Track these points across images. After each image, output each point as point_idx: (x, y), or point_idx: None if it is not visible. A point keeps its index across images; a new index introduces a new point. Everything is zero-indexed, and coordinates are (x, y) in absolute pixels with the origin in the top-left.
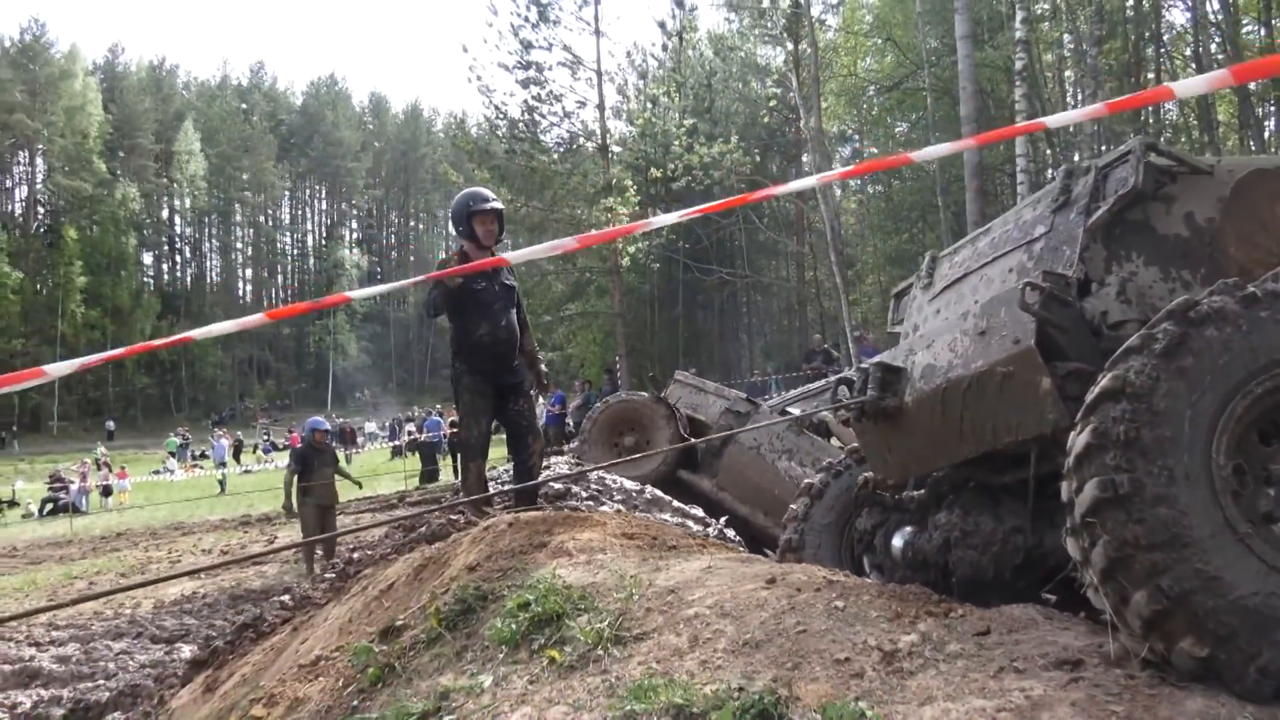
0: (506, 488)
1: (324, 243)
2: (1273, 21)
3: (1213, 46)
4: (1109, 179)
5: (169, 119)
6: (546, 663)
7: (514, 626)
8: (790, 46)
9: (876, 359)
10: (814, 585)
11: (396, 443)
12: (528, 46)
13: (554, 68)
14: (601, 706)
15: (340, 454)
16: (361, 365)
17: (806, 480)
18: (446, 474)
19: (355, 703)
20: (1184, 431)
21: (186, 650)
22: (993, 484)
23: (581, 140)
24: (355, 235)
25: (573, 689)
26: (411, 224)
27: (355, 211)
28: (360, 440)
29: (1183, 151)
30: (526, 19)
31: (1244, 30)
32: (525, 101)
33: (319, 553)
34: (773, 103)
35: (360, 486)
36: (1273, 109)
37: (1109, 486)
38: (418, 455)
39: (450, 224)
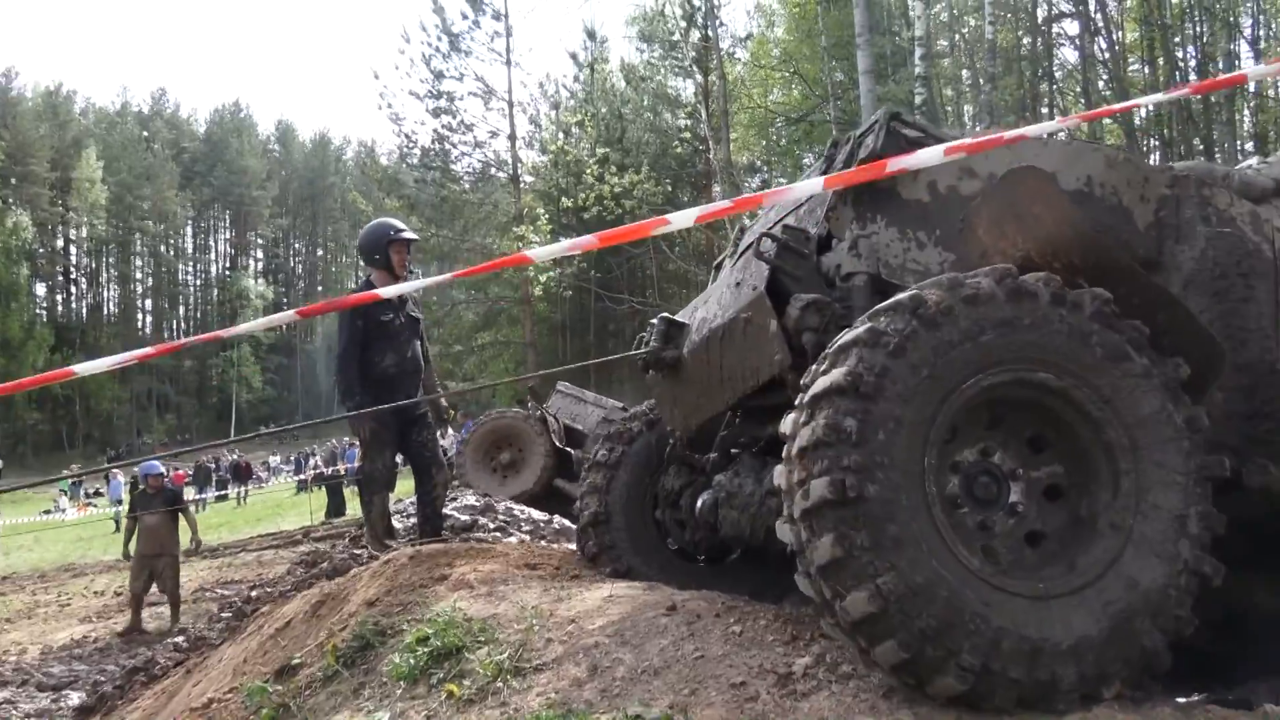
0: (411, 521)
1: (227, 273)
2: (1156, 60)
3: (1100, 84)
4: (862, 146)
5: (65, 146)
6: (445, 697)
7: (413, 661)
8: (700, 78)
9: (663, 315)
10: (713, 611)
11: (302, 477)
12: (439, 76)
13: (465, 97)
14: None
15: (205, 497)
16: (267, 398)
17: (598, 451)
18: (355, 508)
19: None
20: (907, 432)
21: (74, 697)
22: (761, 444)
23: (493, 170)
24: (260, 265)
25: None
26: (319, 253)
27: (260, 241)
28: (264, 475)
29: (928, 124)
30: (438, 48)
31: (1130, 68)
32: (436, 130)
33: (157, 601)
34: (684, 133)
35: (196, 546)
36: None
37: (839, 487)
38: (324, 489)
39: (360, 254)
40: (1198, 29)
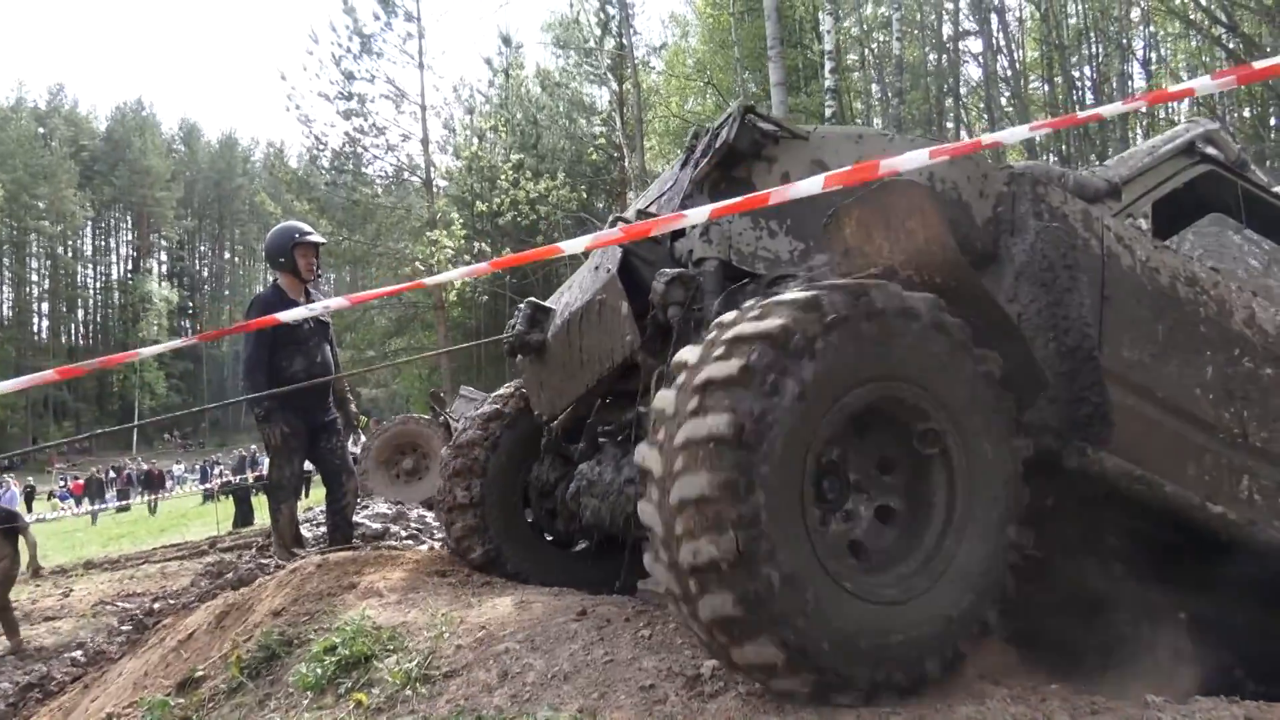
0: (321, 530)
1: (130, 276)
2: (1055, 79)
3: (1003, 100)
4: (717, 138)
5: None
6: (353, 706)
7: (320, 671)
8: (615, 86)
9: (529, 299)
10: (623, 616)
11: (208, 486)
12: (349, 77)
13: (377, 100)
14: None
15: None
16: (171, 405)
17: (467, 434)
18: (263, 517)
19: None
20: (799, 436)
21: None
22: (624, 426)
23: (406, 174)
24: (164, 268)
25: None
26: (226, 256)
27: (164, 243)
28: (169, 484)
29: (783, 118)
30: (349, 49)
31: (1031, 85)
32: (347, 133)
33: None
34: (600, 140)
35: (34, 571)
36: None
37: (728, 487)
38: (231, 498)
39: (267, 258)
40: (1093, 49)
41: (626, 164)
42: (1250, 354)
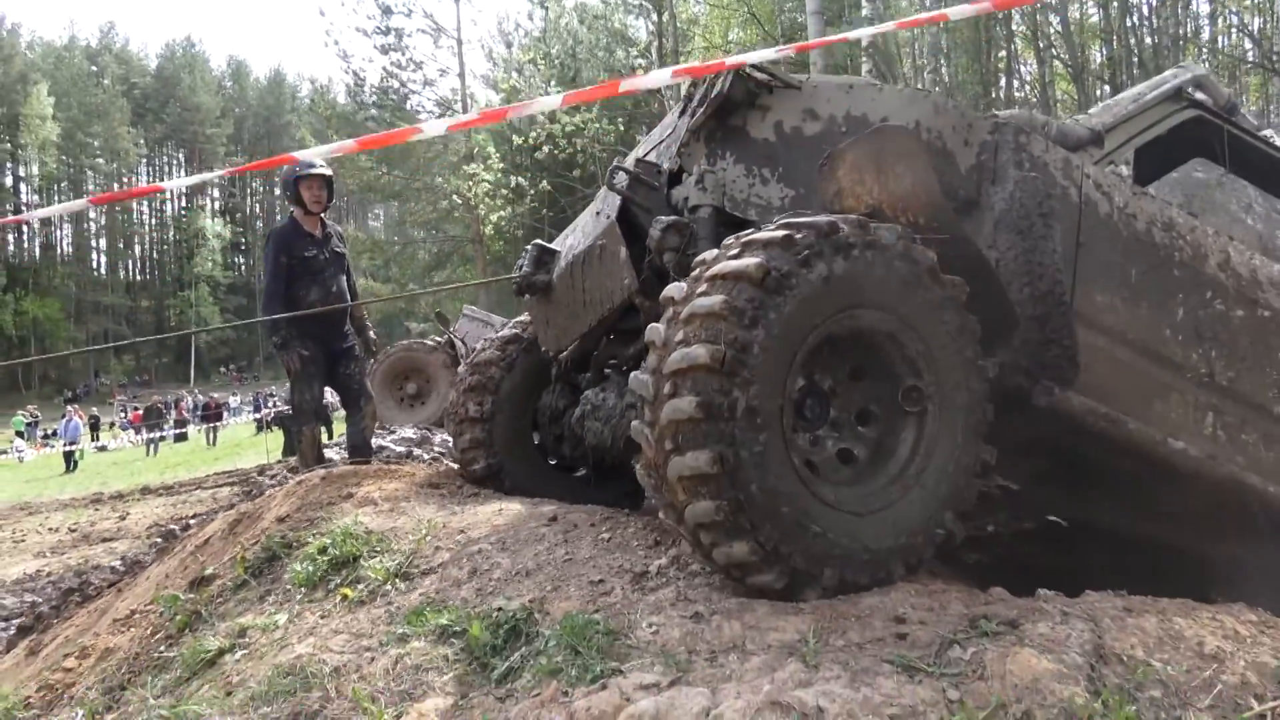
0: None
1: (183, 212)
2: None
3: (1049, 28)
4: (714, 89)
5: (11, 82)
6: (339, 599)
7: (312, 569)
8: (655, 17)
9: (535, 241)
10: (589, 521)
11: (259, 416)
12: (387, 12)
13: (414, 34)
14: (380, 633)
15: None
16: (226, 339)
17: (485, 353)
18: None
19: (162, 649)
20: (777, 361)
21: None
22: (627, 360)
23: (445, 108)
24: (217, 204)
25: (358, 620)
26: (276, 192)
27: (217, 179)
28: (224, 416)
29: (778, 69)
30: None
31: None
32: (385, 68)
33: None
34: (639, 71)
35: None
36: (1107, 89)
37: (712, 410)
38: (282, 428)
39: (281, 191)
40: None
41: (665, 96)
42: (1222, 296)
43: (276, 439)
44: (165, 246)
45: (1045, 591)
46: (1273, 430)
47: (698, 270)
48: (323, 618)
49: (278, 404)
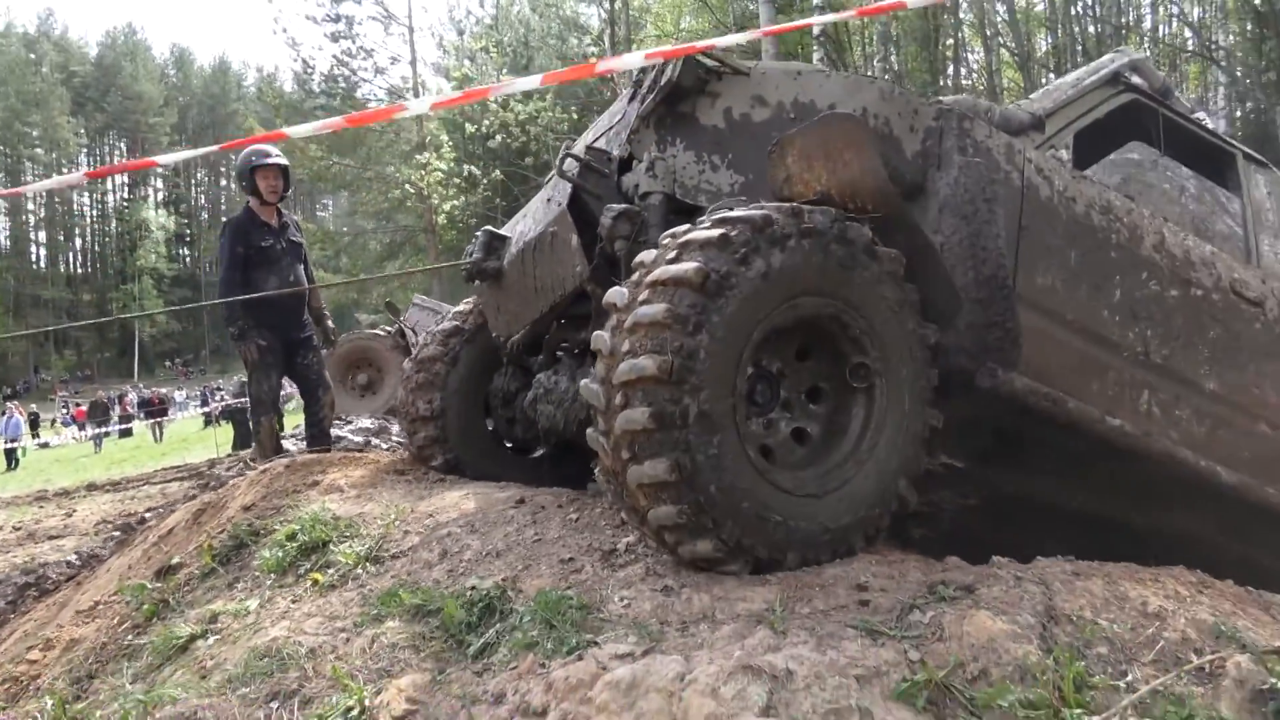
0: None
1: (126, 203)
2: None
3: (997, 18)
4: (663, 75)
5: None
6: (310, 584)
7: (281, 555)
8: (606, 5)
9: (485, 228)
10: (556, 503)
11: (208, 409)
12: None
13: (365, 22)
14: (354, 615)
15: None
16: (171, 332)
17: (428, 349)
18: None
19: (130, 638)
20: (724, 363)
21: None
22: (579, 344)
23: (396, 97)
24: (160, 195)
25: (330, 604)
26: (223, 183)
27: (160, 170)
28: (170, 411)
29: (728, 55)
30: None
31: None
32: (335, 56)
33: None
34: (592, 60)
35: None
36: (1052, 76)
37: (665, 419)
38: (230, 422)
39: (236, 181)
40: None
41: (617, 85)
42: (1157, 277)
43: (226, 433)
44: (107, 239)
45: (999, 559)
46: (1203, 406)
47: (637, 274)
48: (294, 602)
49: (225, 398)
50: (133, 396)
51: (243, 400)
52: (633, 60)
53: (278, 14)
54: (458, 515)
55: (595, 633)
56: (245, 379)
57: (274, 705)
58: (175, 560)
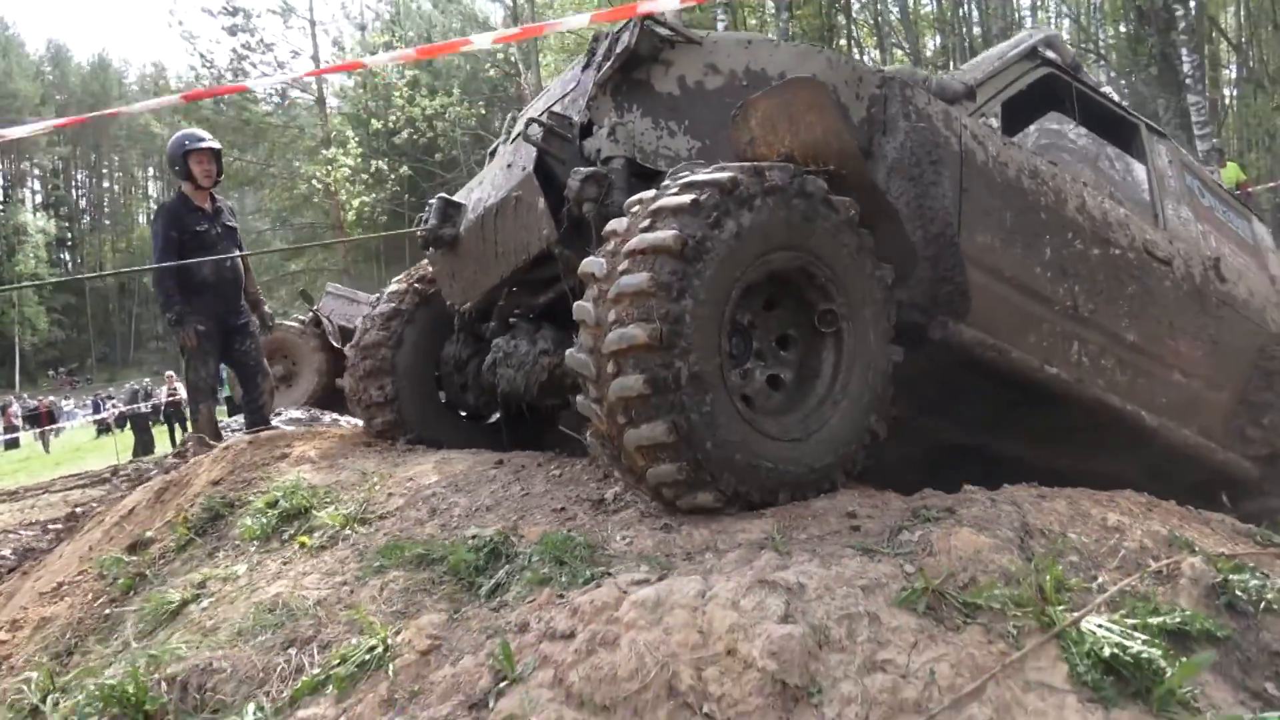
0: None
1: (2, 207)
2: None
3: (892, 17)
4: (617, 43)
5: None
6: (298, 548)
7: (264, 522)
8: (509, 2)
9: (440, 195)
10: (536, 462)
11: (102, 416)
12: None
13: (264, 15)
14: (353, 569)
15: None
16: (54, 340)
17: (371, 335)
18: (163, 443)
19: (108, 610)
20: (708, 324)
21: None
22: (535, 309)
23: (298, 91)
24: (39, 198)
25: (324, 562)
26: (105, 184)
27: (38, 171)
28: (58, 420)
29: (679, 24)
30: None
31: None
32: (234, 50)
33: None
34: (498, 55)
35: None
36: (942, 72)
37: (659, 383)
38: (130, 428)
39: (168, 168)
40: None
41: (523, 81)
42: (1081, 237)
43: (126, 439)
44: None
45: (970, 486)
46: (1125, 355)
47: (612, 244)
48: (285, 564)
49: (119, 405)
50: (16, 407)
51: (137, 406)
52: (577, 22)
53: (173, 6)
54: (439, 478)
55: (605, 566)
56: (137, 386)
57: (291, 651)
58: (148, 535)
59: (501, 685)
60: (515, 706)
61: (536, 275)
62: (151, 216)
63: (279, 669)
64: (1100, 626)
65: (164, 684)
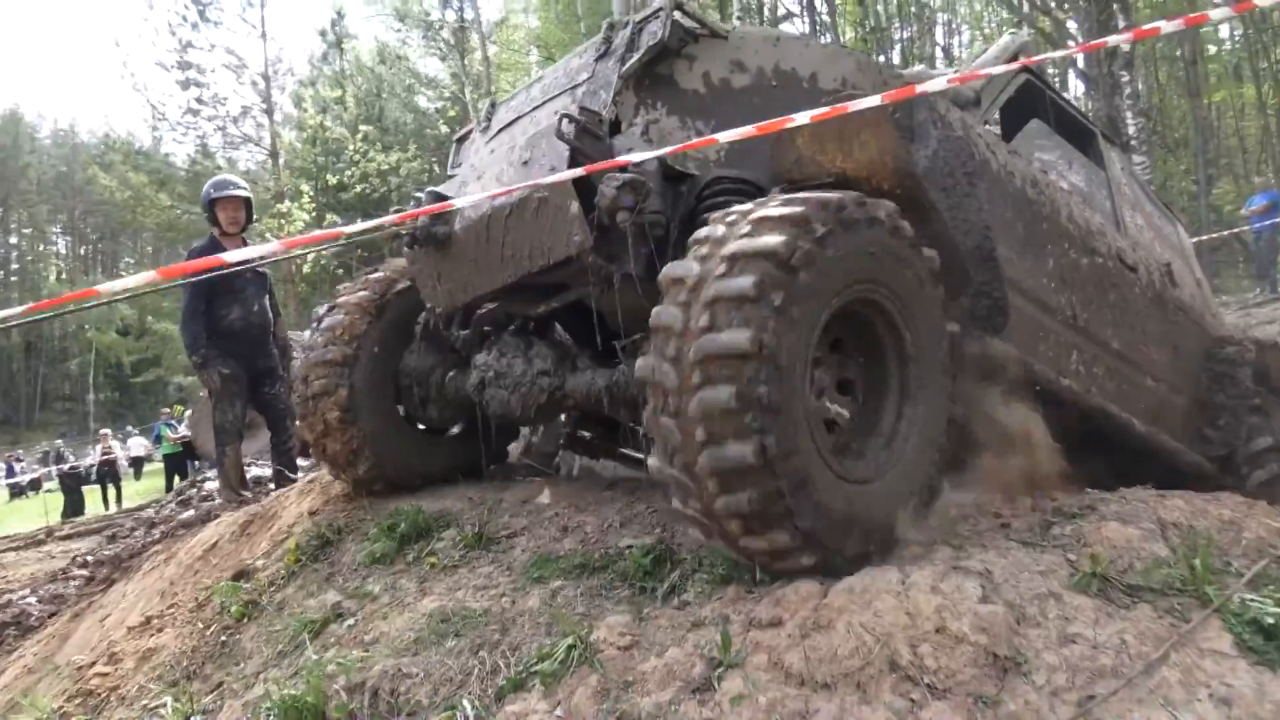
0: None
1: None
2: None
3: None
4: (643, 33)
5: None
6: (428, 567)
7: (383, 546)
8: (460, 60)
9: (430, 189)
10: (646, 484)
11: (13, 480)
12: (187, 46)
13: (216, 69)
14: (504, 582)
15: None
16: None
17: (332, 321)
18: (95, 505)
19: (223, 637)
20: (802, 343)
21: None
22: (529, 323)
23: (250, 144)
24: None
25: (468, 577)
26: (14, 240)
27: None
28: None
29: (706, 15)
30: (185, 17)
31: None
32: (187, 104)
33: None
34: (452, 113)
35: None
36: None
37: (750, 399)
38: (59, 489)
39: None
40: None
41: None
42: (1074, 246)
43: (56, 500)
44: None
45: (1091, 489)
46: (1111, 363)
47: (705, 249)
48: (423, 581)
49: (31, 468)
50: None
51: (64, 466)
52: None
53: (126, 58)
54: (554, 500)
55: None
56: (48, 448)
57: (484, 654)
58: (249, 564)
59: (719, 671)
60: (739, 688)
61: (542, 280)
62: (60, 275)
63: (475, 670)
64: (1254, 601)
65: (344, 693)
